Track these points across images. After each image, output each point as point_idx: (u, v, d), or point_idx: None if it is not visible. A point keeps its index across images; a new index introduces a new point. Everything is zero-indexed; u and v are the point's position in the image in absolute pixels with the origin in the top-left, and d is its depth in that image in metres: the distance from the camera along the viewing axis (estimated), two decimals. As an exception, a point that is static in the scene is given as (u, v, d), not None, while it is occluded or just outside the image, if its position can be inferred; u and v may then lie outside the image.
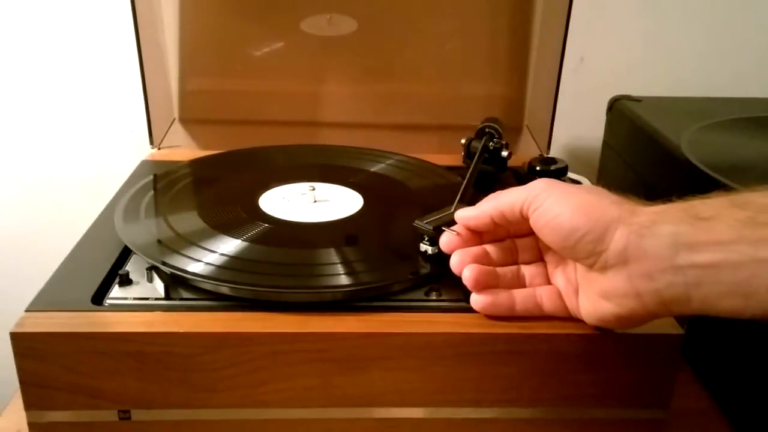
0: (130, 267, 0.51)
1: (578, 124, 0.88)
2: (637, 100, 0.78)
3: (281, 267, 0.50)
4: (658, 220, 0.39)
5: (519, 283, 0.47)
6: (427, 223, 0.49)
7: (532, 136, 0.83)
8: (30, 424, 0.45)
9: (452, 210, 0.50)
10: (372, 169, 0.69)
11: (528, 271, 0.47)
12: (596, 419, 0.47)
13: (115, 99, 0.87)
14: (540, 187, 0.43)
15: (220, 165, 0.69)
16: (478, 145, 0.68)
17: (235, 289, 0.47)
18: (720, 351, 0.56)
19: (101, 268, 0.50)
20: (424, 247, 0.50)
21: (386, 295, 0.48)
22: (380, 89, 0.85)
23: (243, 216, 0.57)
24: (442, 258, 0.50)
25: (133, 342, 0.43)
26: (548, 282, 0.46)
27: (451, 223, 0.49)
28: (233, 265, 0.49)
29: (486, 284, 0.45)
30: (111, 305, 0.47)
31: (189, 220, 0.56)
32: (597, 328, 0.44)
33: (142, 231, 0.54)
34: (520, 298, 0.45)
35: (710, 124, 0.70)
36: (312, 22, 0.81)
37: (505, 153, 0.68)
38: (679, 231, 0.37)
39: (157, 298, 0.47)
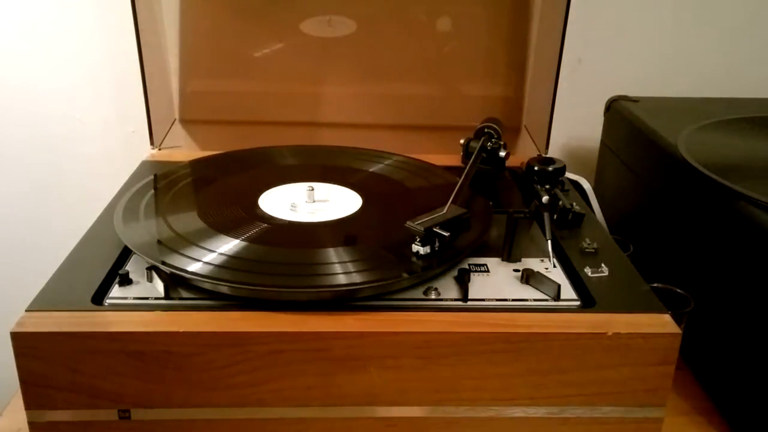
0: (130, 267, 0.51)
1: (576, 124, 0.89)
2: (635, 100, 0.78)
3: (280, 266, 0.50)
4: None
5: None
6: (419, 223, 0.50)
7: (531, 136, 0.83)
8: (30, 424, 0.45)
9: (445, 210, 0.50)
10: (371, 170, 0.69)
11: None
12: (594, 418, 0.47)
13: (115, 99, 0.87)
14: None
15: (220, 165, 0.70)
16: (476, 146, 0.68)
17: (235, 288, 0.47)
18: (718, 351, 0.57)
19: (101, 268, 0.51)
20: (416, 247, 0.50)
21: (385, 294, 0.49)
22: (380, 90, 0.85)
23: (242, 216, 0.57)
24: (438, 257, 0.50)
25: (133, 341, 0.44)
26: None
27: (444, 223, 0.50)
28: (233, 264, 0.49)
29: None
30: (111, 305, 0.47)
31: (189, 220, 0.56)
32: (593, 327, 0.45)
33: (141, 231, 0.54)
34: None
35: (707, 124, 0.70)
36: (312, 24, 0.81)
37: (503, 153, 0.69)
38: None
39: (156, 298, 0.48)
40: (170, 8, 0.80)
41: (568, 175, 0.70)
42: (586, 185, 0.73)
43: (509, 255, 0.54)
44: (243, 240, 0.53)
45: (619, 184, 0.76)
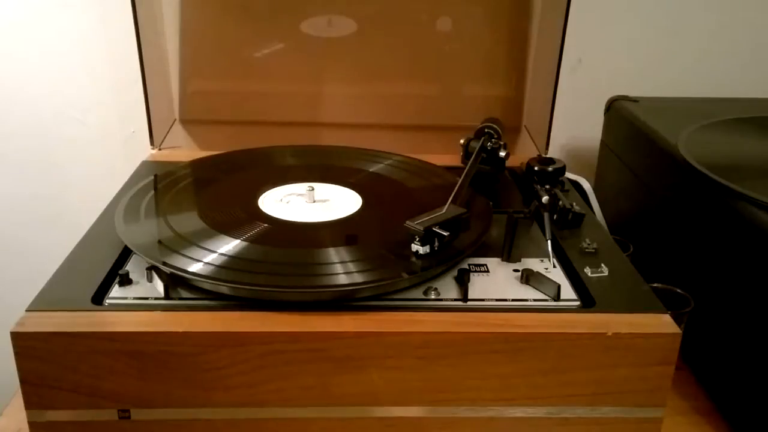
0: (130, 267, 0.51)
1: (576, 124, 0.88)
2: (635, 100, 0.78)
3: (280, 267, 0.50)
4: None
5: None
6: (418, 223, 0.50)
7: (531, 136, 0.83)
8: (30, 424, 0.45)
9: (444, 210, 0.50)
10: (371, 170, 0.69)
11: None
12: (594, 418, 0.47)
13: (116, 100, 0.87)
14: None
15: (220, 165, 0.70)
16: (476, 146, 0.68)
17: (235, 288, 0.47)
18: (718, 351, 0.57)
19: (101, 268, 0.51)
20: (416, 247, 0.50)
21: (384, 294, 0.49)
22: (380, 90, 0.85)
23: (242, 216, 0.57)
24: (438, 258, 0.50)
25: (132, 341, 0.44)
26: None
27: (443, 223, 0.50)
28: (232, 264, 0.49)
29: None
30: (111, 305, 0.47)
31: (189, 221, 0.56)
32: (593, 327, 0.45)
33: (142, 231, 0.54)
34: None
35: (707, 124, 0.70)
36: (312, 24, 0.81)
37: (502, 153, 0.69)
38: None
39: (156, 298, 0.48)
40: (170, 8, 0.80)
41: (568, 175, 0.70)
42: (586, 185, 0.74)
43: (509, 255, 0.54)
44: (243, 240, 0.53)
45: (619, 184, 0.76)
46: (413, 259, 0.50)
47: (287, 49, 0.82)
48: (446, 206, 0.52)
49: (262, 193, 0.62)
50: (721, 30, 0.87)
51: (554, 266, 0.53)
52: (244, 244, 0.52)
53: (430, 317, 0.46)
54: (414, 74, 0.85)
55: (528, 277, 0.51)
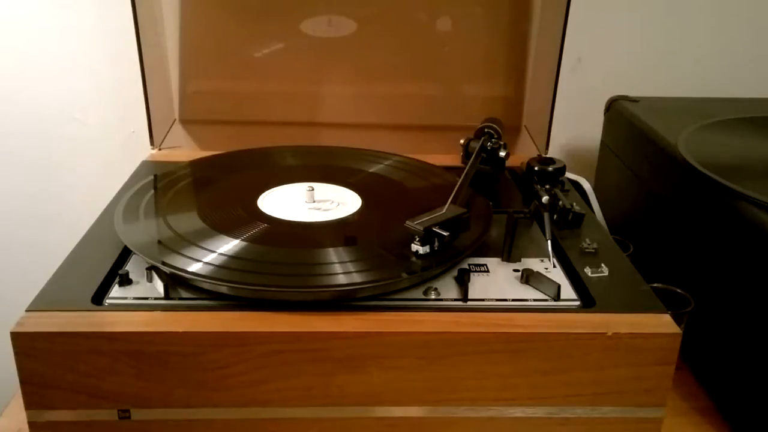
0: (129, 267, 0.51)
1: (576, 124, 0.88)
2: (635, 100, 0.78)
3: (280, 266, 0.50)
4: None
5: None
6: (418, 223, 0.50)
7: (531, 136, 0.83)
8: (30, 424, 0.45)
9: (444, 210, 0.50)
10: (371, 170, 0.69)
11: None
12: (594, 418, 0.47)
13: (115, 100, 0.87)
14: None
15: (220, 165, 0.70)
16: (476, 146, 0.68)
17: (235, 288, 0.47)
18: (718, 351, 0.57)
19: (101, 268, 0.51)
20: (416, 247, 0.50)
21: (384, 294, 0.49)
22: (380, 90, 0.85)
23: (242, 216, 0.57)
24: (438, 258, 0.50)
25: (132, 341, 0.44)
26: None
27: (443, 223, 0.50)
28: (232, 264, 0.49)
29: None
30: (111, 305, 0.47)
31: (189, 221, 0.56)
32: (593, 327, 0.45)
33: (141, 231, 0.54)
34: None
35: (707, 124, 0.70)
36: (312, 24, 0.81)
37: (502, 153, 0.69)
38: None
39: (156, 298, 0.48)
40: (170, 8, 0.80)
41: (568, 175, 0.70)
42: (586, 185, 0.74)
43: (509, 255, 0.54)
44: (243, 240, 0.53)
45: (619, 184, 0.76)
46: (413, 259, 0.50)
47: (287, 49, 0.82)
48: (446, 206, 0.52)
49: (262, 193, 0.62)
50: (721, 30, 0.87)
51: (554, 266, 0.53)
52: (244, 244, 0.52)
53: (430, 317, 0.46)
54: (414, 74, 0.85)
55: (528, 277, 0.51)
